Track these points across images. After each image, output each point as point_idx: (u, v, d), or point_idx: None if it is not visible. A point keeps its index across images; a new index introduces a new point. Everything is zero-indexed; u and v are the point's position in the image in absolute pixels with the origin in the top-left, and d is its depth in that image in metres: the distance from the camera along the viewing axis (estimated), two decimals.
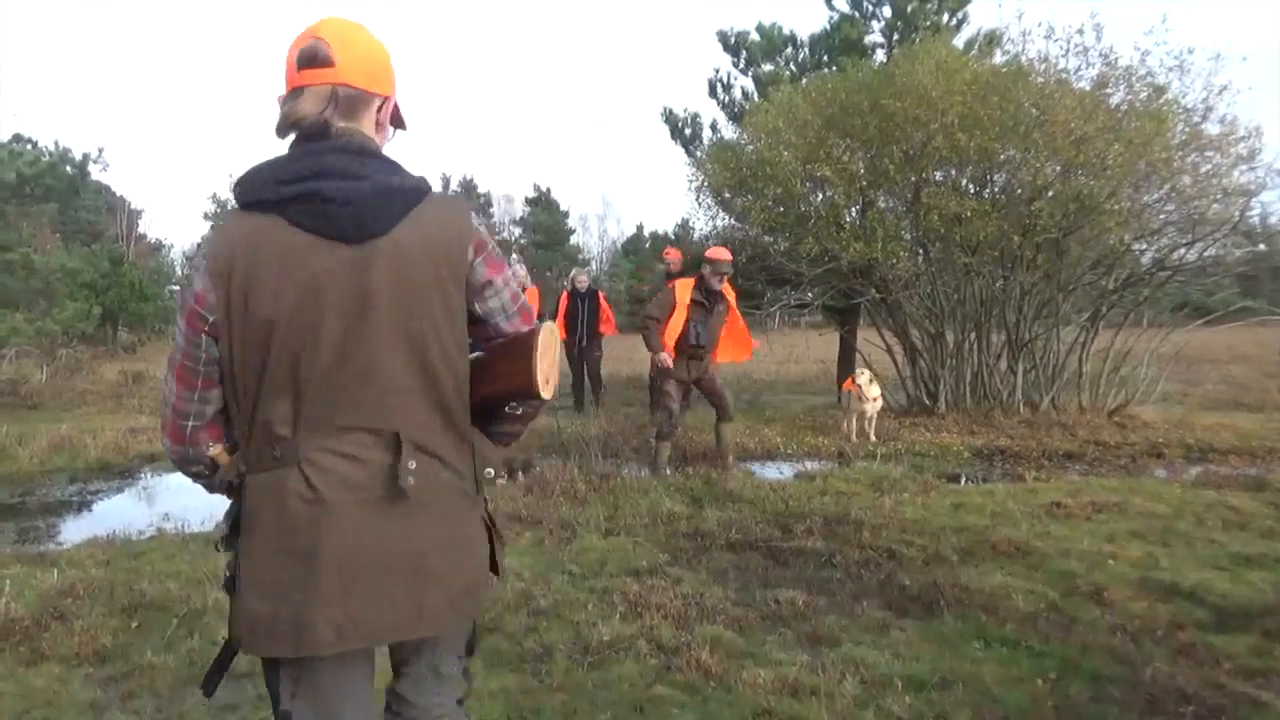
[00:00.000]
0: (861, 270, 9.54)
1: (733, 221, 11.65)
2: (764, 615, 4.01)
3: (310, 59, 1.59)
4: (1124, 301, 9.98)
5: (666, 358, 7.26)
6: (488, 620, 3.96)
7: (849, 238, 8.96)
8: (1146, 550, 4.99)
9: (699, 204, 11.42)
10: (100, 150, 22.16)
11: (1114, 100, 8.89)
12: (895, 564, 4.79)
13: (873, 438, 8.90)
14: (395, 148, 1.74)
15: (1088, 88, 8.91)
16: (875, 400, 8.93)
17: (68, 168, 18.02)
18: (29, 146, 17.39)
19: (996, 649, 3.59)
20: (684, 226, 12.29)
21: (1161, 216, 9.39)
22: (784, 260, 9.80)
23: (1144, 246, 9.74)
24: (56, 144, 21.65)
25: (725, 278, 7.36)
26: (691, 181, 11.28)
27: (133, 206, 54.43)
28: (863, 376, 8.86)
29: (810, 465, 7.82)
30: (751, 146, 10.30)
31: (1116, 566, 4.69)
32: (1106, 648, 3.56)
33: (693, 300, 7.29)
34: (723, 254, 7.43)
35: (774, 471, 7.83)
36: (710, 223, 11.82)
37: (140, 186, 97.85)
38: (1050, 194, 8.81)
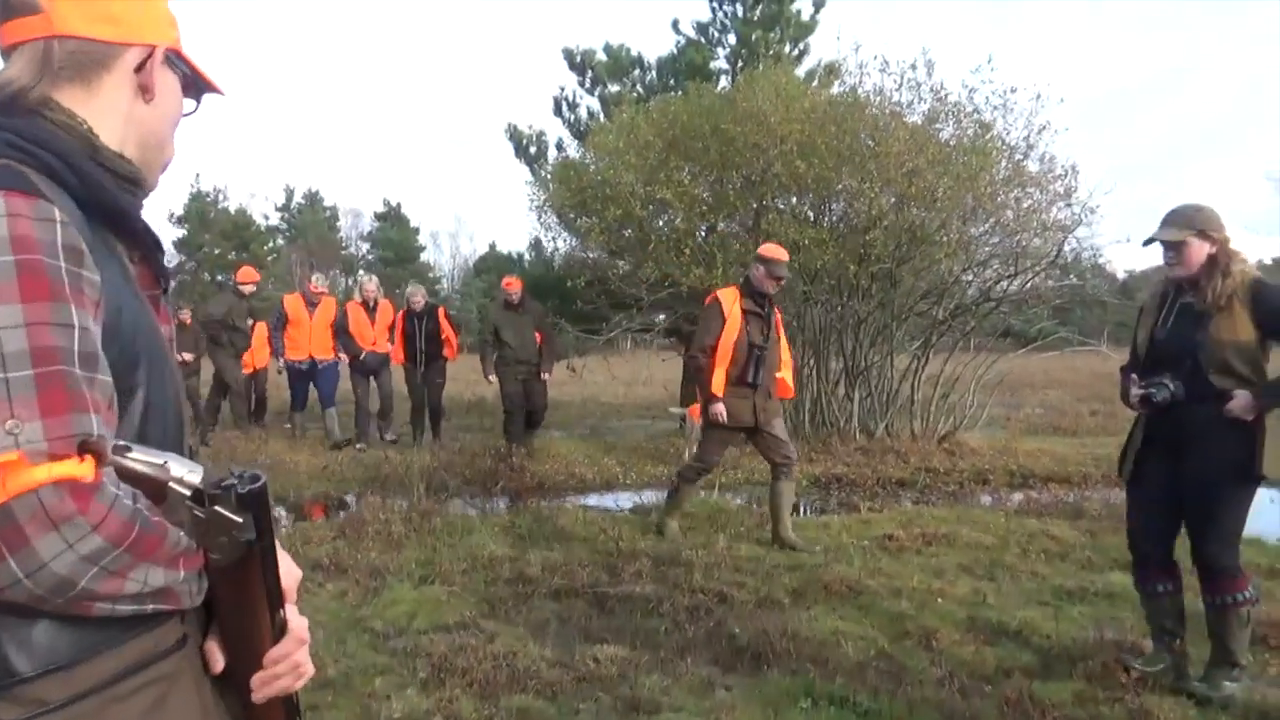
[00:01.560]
0: (702, 296, 9.41)
1: (577, 243, 11.37)
2: (580, 677, 3.64)
3: (4, 5, 1.07)
4: (953, 330, 10.27)
5: (722, 410, 5.73)
6: None
7: (689, 263, 8.82)
8: (974, 586, 4.96)
9: (541, 223, 11.07)
10: None
11: (944, 135, 9.15)
12: (726, 609, 4.54)
13: None
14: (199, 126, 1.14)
15: (920, 121, 9.14)
16: None
17: None
18: None
19: (824, 709, 3.36)
20: (536, 246, 11.89)
21: (987, 249, 9.74)
22: (623, 284, 9.57)
23: (970, 278, 10.06)
24: None
25: (782, 282, 6.00)
26: (532, 200, 10.92)
27: None
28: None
29: (648, 497, 7.53)
30: (594, 166, 10.05)
31: (945, 605, 4.60)
32: (935, 703, 3.39)
33: (744, 311, 5.80)
34: (779, 252, 5.95)
35: (611, 503, 7.52)
36: (552, 242, 11.48)
37: None
38: (885, 224, 8.95)
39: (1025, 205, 9.40)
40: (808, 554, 5.57)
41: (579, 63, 12.35)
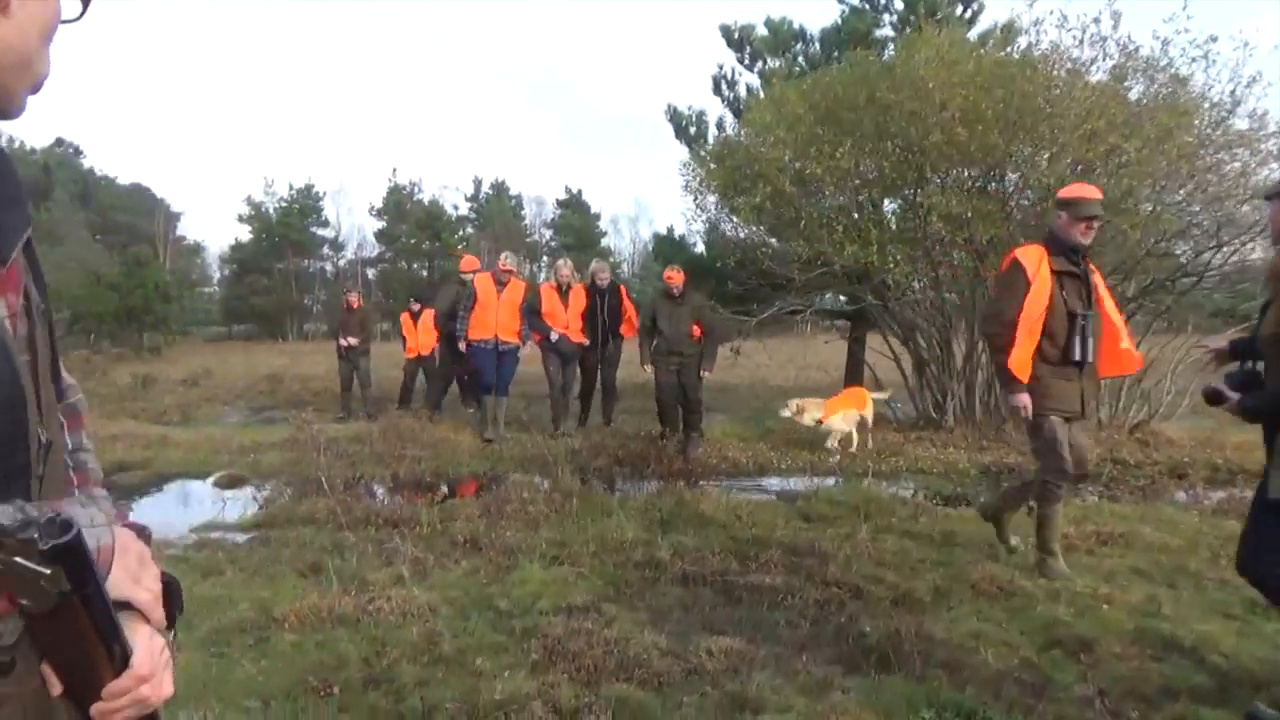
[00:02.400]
0: (858, 275, 8.99)
1: (735, 222, 11.15)
2: (690, 669, 3.52)
3: None
4: (1145, 309, 9.30)
5: (1025, 401, 4.66)
6: (380, 669, 3.53)
7: (842, 240, 8.41)
8: (1149, 592, 4.43)
9: (696, 205, 10.90)
10: (76, 148, 22.64)
11: (1133, 94, 8.25)
12: (859, 605, 4.28)
13: (854, 449, 8.47)
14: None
15: (1105, 79, 8.29)
16: (825, 420, 8.61)
17: (35, 168, 17.92)
18: (16, 146, 17.32)
19: None
20: (713, 228, 11.55)
21: (1186, 218, 8.71)
22: (772, 264, 9.26)
23: (1165, 250, 9.05)
24: (21, 143, 21.71)
25: (1095, 227, 4.77)
26: (688, 182, 10.76)
27: (172, 208, 55.28)
28: (789, 410, 8.65)
29: (797, 483, 7.29)
30: (748, 144, 9.79)
31: (1110, 613, 4.13)
32: None
33: (1055, 272, 4.66)
34: (1083, 189, 4.85)
35: (758, 489, 7.32)
36: (707, 224, 11.31)
37: (179, 188, 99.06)
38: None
39: (1230, 168, 8.34)
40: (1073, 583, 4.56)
41: (737, 39, 12.08)
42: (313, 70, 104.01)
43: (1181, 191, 8.55)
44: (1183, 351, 9.43)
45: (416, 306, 11.79)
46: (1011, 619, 4.08)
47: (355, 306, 11.78)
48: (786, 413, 8.66)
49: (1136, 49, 8.28)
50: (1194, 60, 8.21)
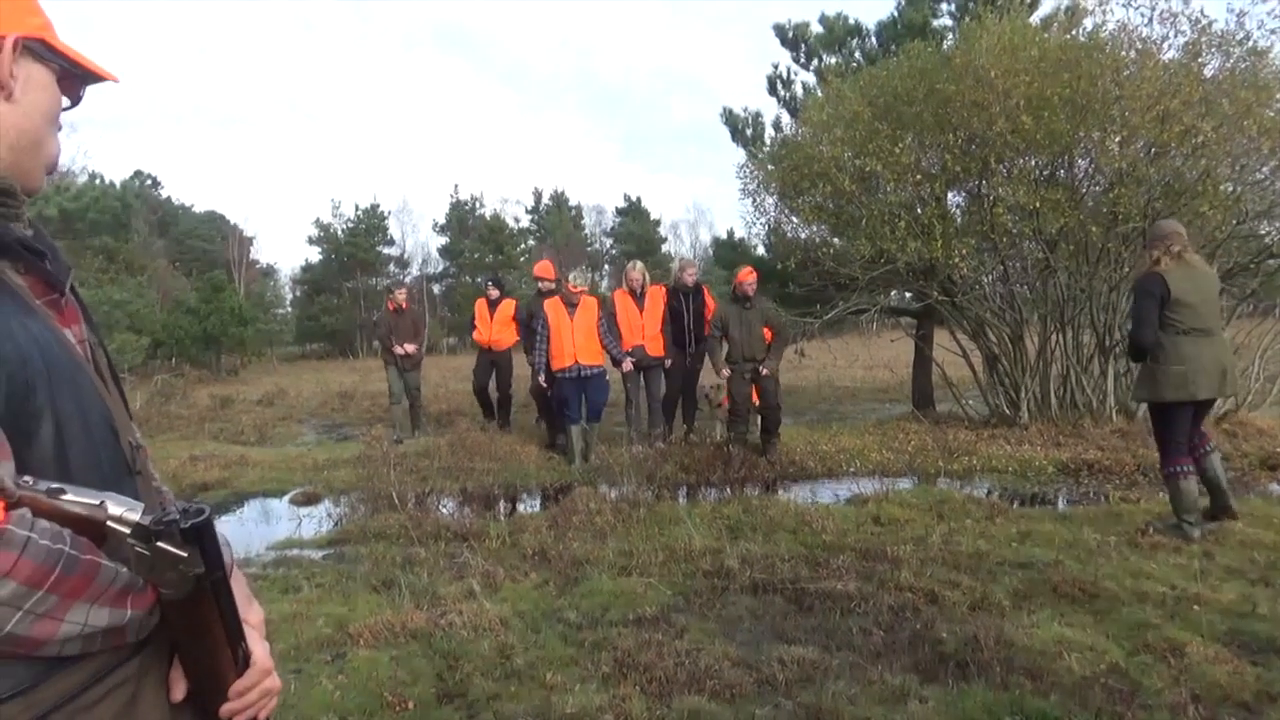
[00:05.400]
0: (922, 272, 8.79)
1: (796, 223, 11.01)
2: (763, 679, 3.47)
3: None
4: (1229, 293, 8.92)
5: None
6: (453, 683, 3.56)
7: (904, 236, 8.23)
8: (1243, 592, 4.25)
9: (755, 207, 10.77)
10: (153, 179, 23.62)
11: (1208, 71, 7.91)
12: (935, 610, 4.18)
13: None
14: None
15: (1177, 57, 7.97)
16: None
17: (115, 201, 18.55)
18: (97, 183, 18.08)
19: None
20: (775, 231, 11.22)
21: (1269, 198, 8.32)
22: (833, 264, 9.11)
23: (1248, 231, 8.65)
24: (101, 178, 22.43)
25: None
26: (745, 184, 10.65)
27: (245, 233, 56.94)
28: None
29: (867, 486, 7.16)
30: (806, 143, 9.66)
31: (1201, 614, 3.96)
32: None
33: None
34: None
35: (827, 494, 7.21)
36: (765, 225, 11.19)
37: (252, 213, 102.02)
38: (1135, 176, 7.84)
39: None
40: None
41: (791, 38, 11.97)
42: (373, 92, 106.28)
43: (1264, 169, 8.18)
44: (1270, 336, 9.03)
45: (495, 293, 10.72)
46: (1096, 622, 3.95)
47: (405, 307, 10.60)
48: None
49: (1210, 23, 7.95)
50: (1273, 31, 7.90)
